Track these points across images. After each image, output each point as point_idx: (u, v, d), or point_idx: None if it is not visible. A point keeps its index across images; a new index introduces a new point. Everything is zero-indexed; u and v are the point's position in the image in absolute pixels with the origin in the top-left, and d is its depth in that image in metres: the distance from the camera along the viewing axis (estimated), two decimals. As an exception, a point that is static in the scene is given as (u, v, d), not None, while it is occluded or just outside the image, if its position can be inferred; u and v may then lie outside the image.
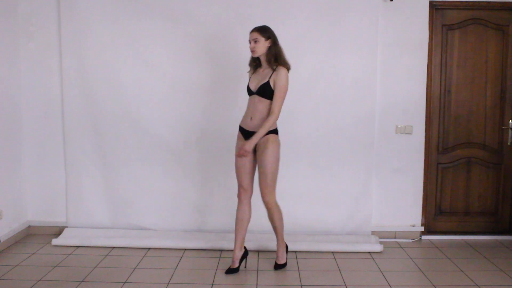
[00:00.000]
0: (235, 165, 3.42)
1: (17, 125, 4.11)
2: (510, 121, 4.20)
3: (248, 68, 3.49)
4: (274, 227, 3.46)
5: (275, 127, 3.34)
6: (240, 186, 3.42)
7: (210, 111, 4.11)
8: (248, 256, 3.61)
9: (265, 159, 3.26)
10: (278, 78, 3.23)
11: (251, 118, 3.33)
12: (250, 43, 3.30)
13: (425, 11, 4.06)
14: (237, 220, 3.42)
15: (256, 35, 3.26)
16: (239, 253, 3.45)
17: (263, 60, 3.34)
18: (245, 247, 3.50)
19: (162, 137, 4.13)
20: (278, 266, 3.52)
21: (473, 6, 4.08)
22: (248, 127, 3.34)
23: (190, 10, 4.01)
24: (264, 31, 3.27)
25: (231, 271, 3.43)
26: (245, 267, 3.52)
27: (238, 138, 3.44)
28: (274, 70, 3.26)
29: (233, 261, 3.45)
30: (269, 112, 3.26)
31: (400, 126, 4.15)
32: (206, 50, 4.05)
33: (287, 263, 3.57)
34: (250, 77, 3.43)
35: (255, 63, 3.40)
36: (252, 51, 3.28)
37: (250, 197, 3.44)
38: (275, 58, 3.27)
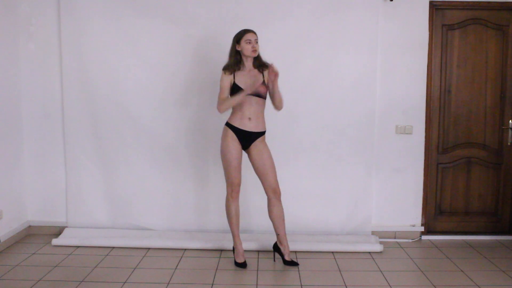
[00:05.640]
0: (228, 165, 3.45)
1: (17, 125, 4.11)
2: (510, 121, 4.19)
3: (219, 72, 3.48)
4: (283, 219, 3.52)
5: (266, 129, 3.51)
6: (235, 184, 3.49)
7: (210, 111, 4.09)
8: (248, 256, 3.63)
9: (267, 156, 3.46)
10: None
11: (249, 119, 3.39)
12: (248, 43, 3.33)
13: (425, 11, 4.05)
14: (235, 216, 3.54)
15: (256, 36, 3.39)
16: (242, 246, 3.56)
17: (250, 61, 3.42)
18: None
19: (162, 137, 4.13)
20: (289, 263, 3.55)
21: (473, 6, 4.08)
22: (247, 127, 3.41)
23: (189, 10, 4.01)
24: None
25: (242, 265, 3.50)
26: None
27: (231, 139, 3.43)
28: (263, 71, 3.41)
29: (241, 256, 3.54)
30: (263, 110, 3.45)
31: (400, 126, 4.15)
32: (206, 50, 4.04)
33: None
34: (233, 79, 3.40)
35: (237, 66, 3.41)
36: (254, 50, 3.36)
37: None
38: (260, 59, 3.44)
